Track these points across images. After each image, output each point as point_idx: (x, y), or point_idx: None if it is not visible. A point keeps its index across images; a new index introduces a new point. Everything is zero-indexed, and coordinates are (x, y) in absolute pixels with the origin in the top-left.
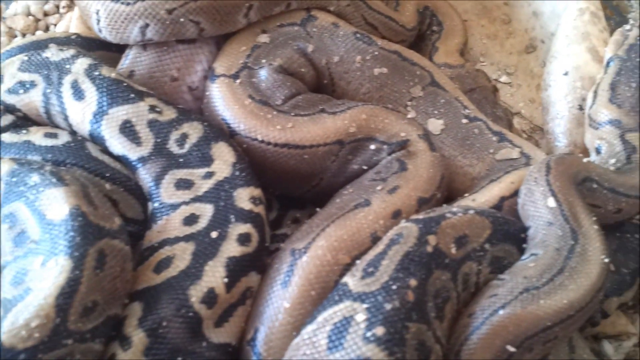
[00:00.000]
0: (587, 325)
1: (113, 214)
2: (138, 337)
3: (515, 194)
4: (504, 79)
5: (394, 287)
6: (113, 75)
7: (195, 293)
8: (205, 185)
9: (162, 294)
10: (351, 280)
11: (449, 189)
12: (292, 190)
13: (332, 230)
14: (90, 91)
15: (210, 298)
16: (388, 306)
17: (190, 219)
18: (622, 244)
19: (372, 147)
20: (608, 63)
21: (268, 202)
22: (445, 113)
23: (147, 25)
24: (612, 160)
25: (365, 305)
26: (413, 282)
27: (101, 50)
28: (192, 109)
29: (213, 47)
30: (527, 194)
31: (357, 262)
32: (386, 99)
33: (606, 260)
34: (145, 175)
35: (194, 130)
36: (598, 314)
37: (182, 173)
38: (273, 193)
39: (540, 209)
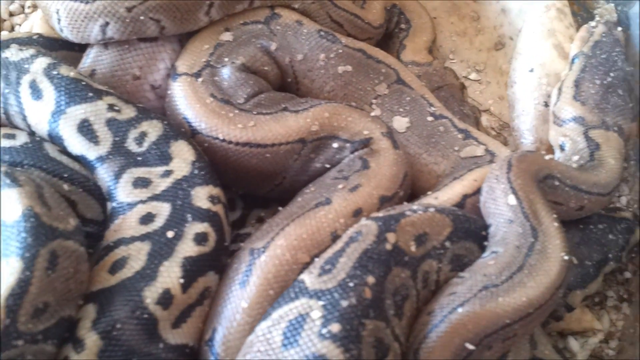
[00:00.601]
0: (550, 320)
1: (68, 215)
2: (91, 339)
3: (478, 191)
4: (473, 76)
5: (351, 284)
6: (72, 74)
7: (150, 294)
8: (163, 184)
9: (116, 296)
10: (308, 278)
11: (414, 187)
12: (255, 189)
13: (291, 229)
14: (49, 90)
15: (165, 299)
16: (344, 303)
17: (147, 218)
18: (586, 236)
19: (335, 145)
20: (573, 60)
21: (231, 201)
22: (410, 111)
23: (107, 23)
24: (576, 157)
25: (321, 303)
26: (371, 280)
27: (64, 50)
28: (155, 107)
29: (176, 45)
30: (488, 191)
31: (316, 260)
32: (351, 97)
33: (566, 257)
34: (103, 175)
35: (153, 129)
36: (562, 308)
37: (140, 171)
38: (237, 192)
39: (501, 206)
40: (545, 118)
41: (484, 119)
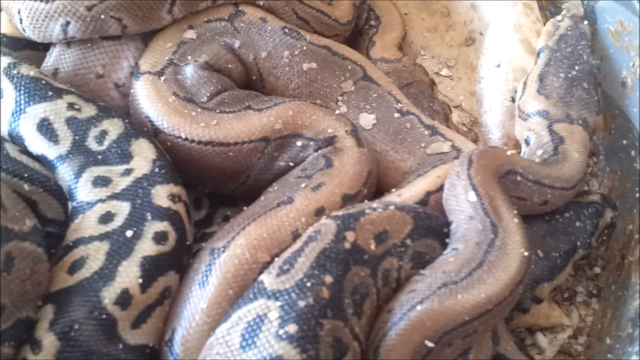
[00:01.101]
0: (516, 314)
1: (25, 216)
2: (49, 340)
3: (441, 188)
4: (444, 72)
5: (308, 284)
6: (32, 73)
7: (109, 295)
8: (123, 183)
9: (74, 296)
10: (267, 278)
11: (381, 184)
12: (219, 188)
13: (252, 228)
14: (8, 90)
15: (124, 299)
16: (301, 303)
17: (106, 217)
18: (552, 227)
19: (299, 143)
20: (538, 54)
21: (198, 200)
22: (377, 107)
23: (68, 22)
24: (540, 152)
25: (278, 303)
26: (328, 279)
27: (28, 49)
28: (119, 106)
29: (140, 44)
30: (449, 188)
31: (276, 259)
32: (316, 94)
33: (526, 253)
34: (63, 174)
35: (114, 127)
36: (528, 301)
37: (100, 170)
38: (203, 191)
39: (461, 203)
40: (512, 113)
41: (456, 115)
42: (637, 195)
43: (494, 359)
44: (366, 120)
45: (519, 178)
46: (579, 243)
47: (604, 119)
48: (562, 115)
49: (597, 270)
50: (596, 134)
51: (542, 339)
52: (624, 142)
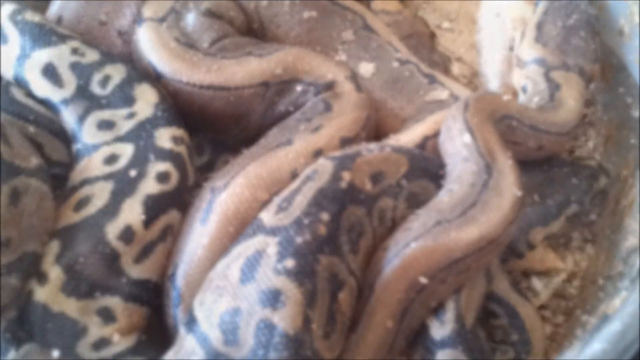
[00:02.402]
0: (511, 258)
1: (31, 154)
2: (55, 273)
3: (438, 133)
4: (445, 25)
5: (306, 221)
6: (36, 19)
7: (112, 230)
8: (126, 126)
9: (79, 232)
10: (265, 215)
11: (380, 132)
12: (220, 133)
13: (252, 168)
14: (14, 35)
15: (127, 235)
16: (299, 239)
17: (111, 159)
18: (549, 177)
19: (299, 88)
20: (537, 3)
21: (200, 146)
22: (376, 57)
23: None
24: (536, 99)
25: (277, 239)
26: (325, 217)
27: None
28: (123, 53)
29: None
30: (445, 130)
31: (275, 198)
32: (317, 42)
33: (519, 193)
34: (68, 117)
35: (117, 72)
36: (523, 245)
37: (104, 114)
38: (205, 138)
39: (457, 145)
40: (511, 62)
41: (456, 67)
42: (632, 141)
43: (487, 296)
44: (365, 68)
45: (514, 123)
46: (573, 197)
47: (602, 67)
48: (559, 63)
49: (593, 217)
50: (593, 82)
51: (537, 283)
52: (621, 89)
